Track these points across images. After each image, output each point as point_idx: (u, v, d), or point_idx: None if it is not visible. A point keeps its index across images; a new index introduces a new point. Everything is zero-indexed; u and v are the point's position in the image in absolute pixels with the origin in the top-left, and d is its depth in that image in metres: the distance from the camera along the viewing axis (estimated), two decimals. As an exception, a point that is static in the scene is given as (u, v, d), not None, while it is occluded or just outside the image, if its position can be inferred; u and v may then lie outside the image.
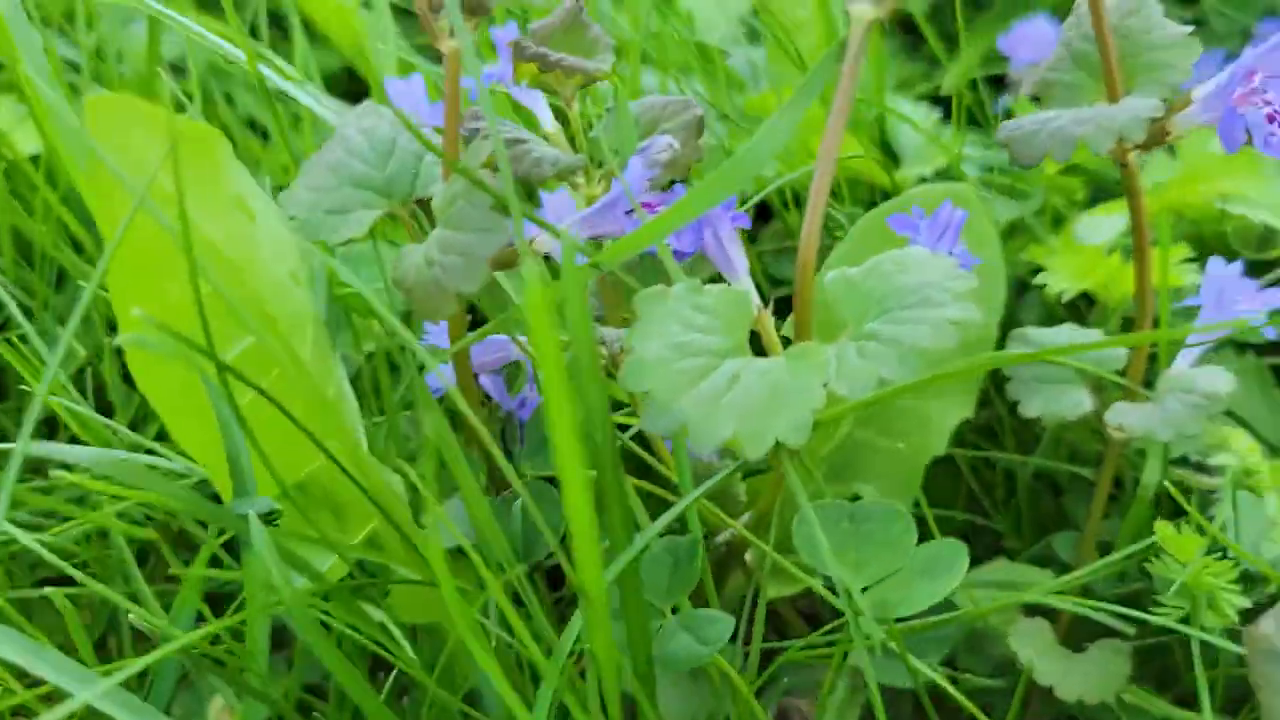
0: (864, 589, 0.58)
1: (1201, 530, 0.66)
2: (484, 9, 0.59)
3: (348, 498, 0.65)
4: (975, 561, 0.87)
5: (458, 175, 0.58)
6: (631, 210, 0.62)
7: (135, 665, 0.54)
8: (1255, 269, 0.94)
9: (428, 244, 0.59)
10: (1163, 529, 0.65)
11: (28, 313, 0.89)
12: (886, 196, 0.98)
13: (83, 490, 0.59)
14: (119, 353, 0.82)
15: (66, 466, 0.55)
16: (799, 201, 1.00)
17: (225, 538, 0.67)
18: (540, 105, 0.71)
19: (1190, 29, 0.67)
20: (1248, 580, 0.68)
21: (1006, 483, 0.93)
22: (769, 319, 0.64)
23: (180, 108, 0.89)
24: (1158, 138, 0.66)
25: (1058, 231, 0.94)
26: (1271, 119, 0.60)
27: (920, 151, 1.05)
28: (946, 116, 1.10)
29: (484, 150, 0.56)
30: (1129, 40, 0.68)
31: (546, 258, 0.63)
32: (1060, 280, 0.84)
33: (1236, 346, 0.91)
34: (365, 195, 0.63)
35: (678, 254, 0.66)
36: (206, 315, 0.49)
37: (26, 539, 0.61)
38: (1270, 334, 0.87)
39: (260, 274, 0.56)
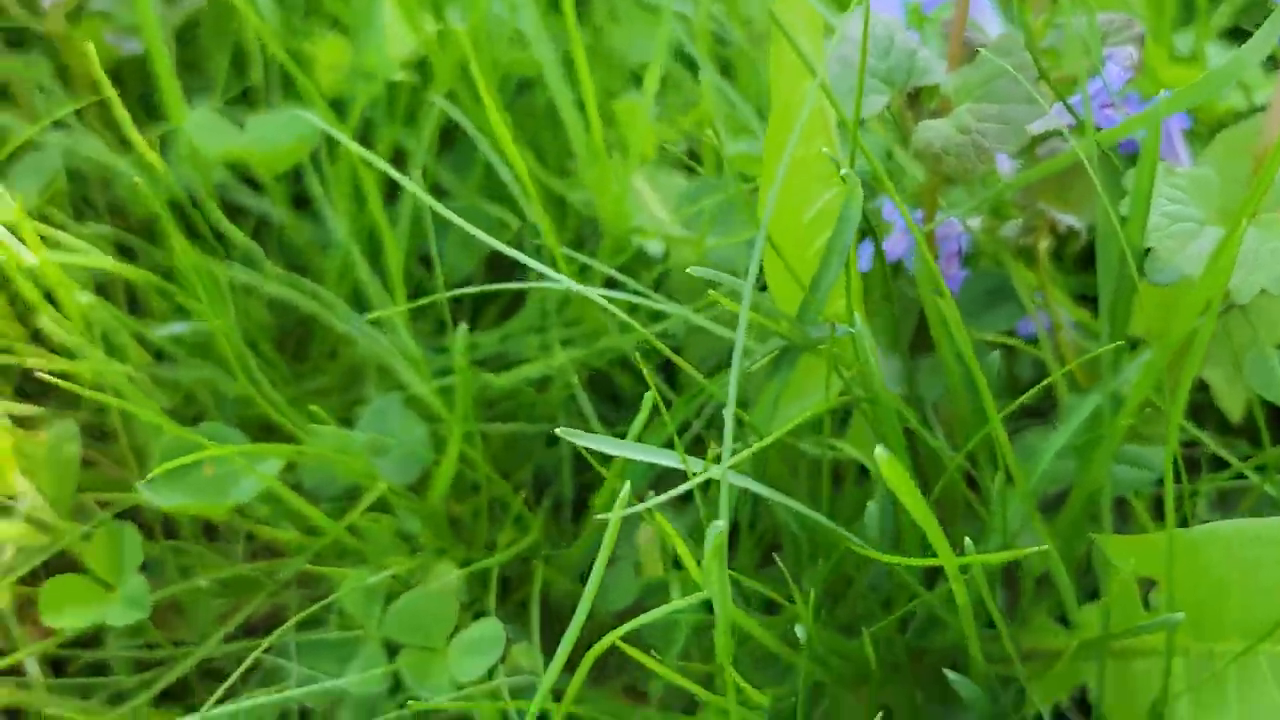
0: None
1: None
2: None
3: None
4: None
5: (979, 62, 0.70)
6: (1109, 105, 0.73)
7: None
8: None
9: (955, 117, 0.71)
10: None
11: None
12: None
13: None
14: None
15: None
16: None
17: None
18: (988, 15, 0.83)
19: None
20: None
21: None
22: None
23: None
24: None
25: None
26: None
27: None
28: None
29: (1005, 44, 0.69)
30: None
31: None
32: None
33: None
34: (872, 83, 0.75)
35: (1125, 146, 0.78)
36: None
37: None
38: None
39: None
